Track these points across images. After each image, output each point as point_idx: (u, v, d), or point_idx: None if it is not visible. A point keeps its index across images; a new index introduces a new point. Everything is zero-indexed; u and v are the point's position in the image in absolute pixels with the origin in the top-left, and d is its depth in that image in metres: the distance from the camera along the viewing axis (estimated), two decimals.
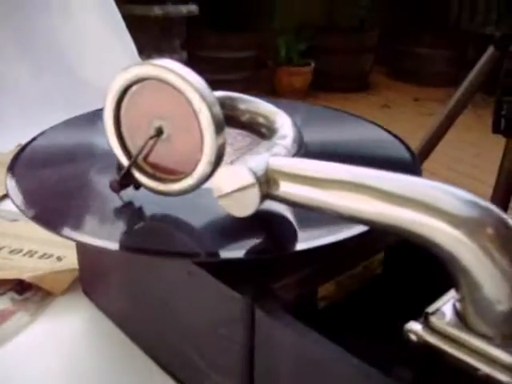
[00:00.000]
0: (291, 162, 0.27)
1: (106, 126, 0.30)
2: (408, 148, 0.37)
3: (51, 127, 0.39)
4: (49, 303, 0.44)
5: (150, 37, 2.18)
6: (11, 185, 0.31)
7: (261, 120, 0.34)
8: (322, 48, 2.75)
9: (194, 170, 0.29)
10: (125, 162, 0.31)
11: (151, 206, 0.31)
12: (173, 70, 0.27)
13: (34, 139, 0.38)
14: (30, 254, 0.47)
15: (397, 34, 3.20)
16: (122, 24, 0.83)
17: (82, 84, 0.80)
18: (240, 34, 2.58)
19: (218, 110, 0.27)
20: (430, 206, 0.22)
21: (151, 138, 0.29)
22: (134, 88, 0.29)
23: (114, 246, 0.27)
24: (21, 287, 0.45)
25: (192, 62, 2.33)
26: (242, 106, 0.34)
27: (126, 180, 0.31)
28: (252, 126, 0.34)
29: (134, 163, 0.30)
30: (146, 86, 0.29)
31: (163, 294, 0.32)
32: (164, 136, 0.29)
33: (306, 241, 0.28)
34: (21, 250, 0.47)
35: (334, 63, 2.80)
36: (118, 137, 0.31)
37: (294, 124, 0.33)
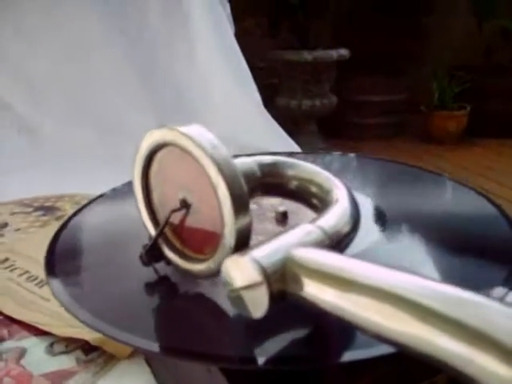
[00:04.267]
0: (322, 257, 0.21)
1: (136, 193, 0.27)
2: None
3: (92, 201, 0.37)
4: (112, 366, 0.42)
5: (300, 82, 2.19)
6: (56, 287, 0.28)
7: (313, 189, 0.29)
8: (477, 90, 2.57)
9: (215, 252, 0.24)
10: (153, 234, 0.27)
11: (184, 285, 0.27)
12: (190, 136, 0.23)
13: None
14: None
15: None
16: (247, 72, 0.81)
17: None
18: (391, 77, 2.51)
19: (239, 185, 0.23)
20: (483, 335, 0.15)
21: (174, 211, 0.25)
22: (160, 154, 0.26)
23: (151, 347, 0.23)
24: (89, 346, 0.43)
25: (342, 106, 2.30)
26: (291, 172, 0.29)
27: (154, 253, 0.27)
28: (302, 195, 0.29)
29: (159, 236, 0.26)
30: (169, 152, 0.25)
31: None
32: (191, 209, 0.25)
33: (363, 348, 0.22)
34: None
35: (492, 106, 2.61)
36: (148, 205, 0.27)
37: (351, 197, 0.28)
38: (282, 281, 0.21)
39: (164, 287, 0.28)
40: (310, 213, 0.30)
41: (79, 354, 0.43)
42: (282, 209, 0.33)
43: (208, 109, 0.80)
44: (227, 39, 0.80)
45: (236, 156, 0.28)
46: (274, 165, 0.29)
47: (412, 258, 0.30)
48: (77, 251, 0.32)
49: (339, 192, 0.27)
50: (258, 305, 0.21)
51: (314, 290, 0.20)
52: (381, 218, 0.33)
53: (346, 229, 0.25)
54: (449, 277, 0.28)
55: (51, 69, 0.76)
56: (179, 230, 0.27)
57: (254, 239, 0.24)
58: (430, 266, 0.30)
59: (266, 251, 0.21)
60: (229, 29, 0.81)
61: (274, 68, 2.19)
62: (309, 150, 1.94)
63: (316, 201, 0.28)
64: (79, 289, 0.28)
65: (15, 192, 0.69)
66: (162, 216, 0.27)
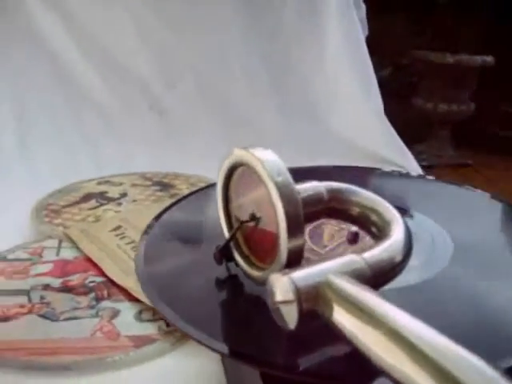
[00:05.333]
0: (353, 289, 0.24)
1: (218, 201, 0.31)
2: None
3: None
4: (187, 340, 0.46)
5: (439, 85, 2.13)
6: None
7: (374, 217, 0.31)
8: None
9: (272, 264, 0.28)
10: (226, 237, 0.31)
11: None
12: (260, 161, 0.27)
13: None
14: None
15: None
16: (373, 78, 0.83)
17: (327, 133, 0.83)
18: None
19: (296, 211, 0.26)
20: None
21: (243, 222, 0.29)
22: (239, 170, 0.30)
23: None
24: None
25: (479, 115, 2.22)
26: (355, 199, 0.32)
27: (225, 254, 0.31)
28: (363, 222, 0.32)
29: (230, 241, 0.30)
30: (245, 171, 0.29)
31: None
32: (259, 223, 0.29)
33: None
34: None
35: None
36: (226, 213, 0.32)
37: (407, 232, 0.30)
38: (313, 302, 0.24)
39: (232, 285, 0.32)
40: None
41: (162, 324, 0.48)
42: (354, 229, 0.36)
43: (331, 112, 0.83)
44: (357, 43, 0.82)
45: (310, 180, 0.31)
46: (340, 191, 0.32)
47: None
48: (171, 235, 0.37)
49: (397, 226, 0.30)
50: (291, 318, 0.24)
51: (340, 317, 0.23)
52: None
53: (391, 265, 0.27)
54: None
55: (188, 56, 0.82)
56: (248, 238, 0.30)
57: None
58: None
59: (305, 273, 0.25)
60: (360, 33, 0.83)
61: (415, 67, 2.15)
62: (437, 154, 1.89)
63: (375, 229, 0.31)
64: (160, 275, 0.32)
65: (140, 165, 0.76)
66: (235, 224, 0.31)
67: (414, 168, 0.79)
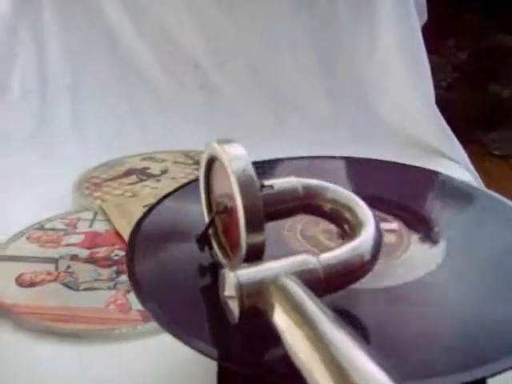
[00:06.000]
0: (297, 293, 0.25)
1: (200, 192, 0.32)
2: None
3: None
4: None
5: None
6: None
7: (347, 215, 0.31)
8: None
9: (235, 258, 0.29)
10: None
11: None
12: (228, 156, 0.28)
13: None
14: None
15: None
16: (427, 67, 0.81)
17: (375, 120, 0.82)
18: None
19: (256, 208, 0.27)
20: None
21: (217, 213, 0.30)
22: (217, 162, 0.30)
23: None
24: None
25: None
26: (330, 196, 0.32)
27: (204, 241, 0.32)
28: (336, 219, 0.32)
29: (207, 229, 0.31)
30: (220, 163, 0.30)
31: None
32: (231, 214, 0.30)
33: None
34: None
35: None
36: (208, 204, 0.32)
37: (376, 234, 0.30)
38: (255, 299, 0.25)
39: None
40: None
41: None
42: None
43: (380, 99, 0.82)
44: (411, 32, 0.79)
45: (292, 175, 0.31)
46: (316, 187, 0.32)
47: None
48: (165, 227, 0.38)
49: (367, 227, 0.30)
50: (235, 313, 0.25)
51: (276, 317, 0.24)
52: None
53: (351, 268, 0.28)
54: None
55: (240, 38, 0.83)
56: (225, 228, 0.31)
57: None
58: None
59: (253, 270, 0.25)
60: (415, 20, 0.80)
61: (493, 52, 2.04)
62: (507, 145, 1.81)
63: (347, 227, 0.31)
64: (151, 273, 0.33)
65: (186, 142, 0.78)
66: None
67: (463, 159, 0.76)
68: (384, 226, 0.35)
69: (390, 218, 0.38)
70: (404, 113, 0.79)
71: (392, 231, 0.37)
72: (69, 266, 0.52)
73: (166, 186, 0.66)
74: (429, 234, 0.37)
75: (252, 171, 0.27)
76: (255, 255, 0.28)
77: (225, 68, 0.82)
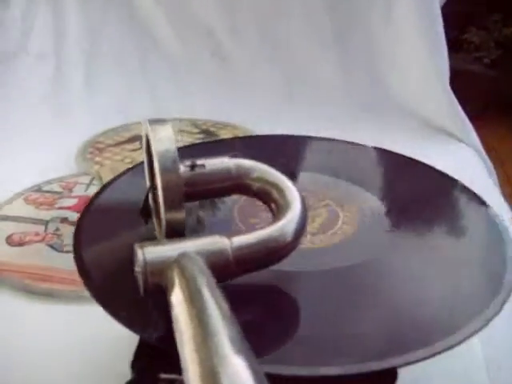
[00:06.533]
0: (196, 276, 0.25)
1: (144, 167, 0.33)
2: None
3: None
4: None
5: None
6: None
7: (275, 195, 0.32)
8: None
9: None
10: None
11: None
12: (153, 134, 0.28)
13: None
14: None
15: None
16: (443, 43, 0.78)
17: (386, 95, 0.81)
18: None
19: (175, 184, 0.28)
20: None
21: (150, 189, 0.31)
22: None
23: None
24: None
25: None
26: (255, 175, 0.32)
27: (146, 215, 0.33)
28: (263, 197, 0.32)
29: (146, 202, 0.32)
30: None
31: None
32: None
33: None
34: None
35: None
36: (150, 179, 0.33)
37: (300, 218, 0.30)
38: (159, 277, 0.26)
39: None
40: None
41: None
42: None
43: (395, 72, 0.80)
44: (429, 7, 0.77)
45: (230, 155, 0.32)
46: (248, 168, 0.32)
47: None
48: (115, 210, 0.39)
49: (292, 209, 0.30)
50: (141, 287, 0.26)
51: (171, 296, 0.25)
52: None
53: (265, 251, 0.28)
54: None
55: (253, 4, 0.82)
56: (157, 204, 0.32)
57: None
58: None
59: (162, 248, 0.26)
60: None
61: None
62: None
63: (274, 206, 0.31)
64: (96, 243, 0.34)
65: (196, 110, 0.79)
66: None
67: (474, 142, 0.75)
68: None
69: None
70: (416, 90, 0.77)
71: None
72: (57, 229, 0.54)
73: None
74: None
75: (174, 152, 0.28)
76: (176, 232, 0.28)
77: (237, 36, 0.82)
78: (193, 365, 0.20)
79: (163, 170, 0.28)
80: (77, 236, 0.33)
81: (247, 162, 0.32)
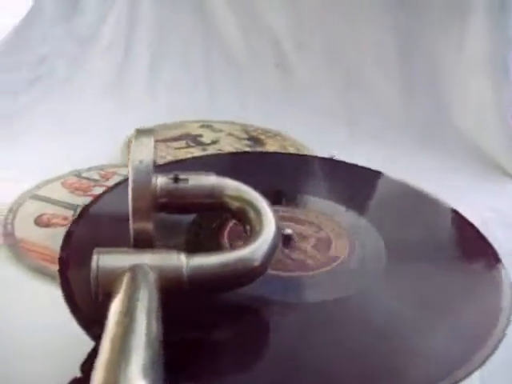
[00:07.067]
0: (138, 289, 0.25)
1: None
2: None
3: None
4: None
5: None
6: None
7: (251, 216, 0.31)
8: None
9: None
10: None
11: None
12: (133, 143, 0.29)
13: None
14: None
15: None
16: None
17: (447, 126, 0.79)
18: None
19: (143, 195, 0.28)
20: None
21: None
22: None
23: None
24: None
25: None
26: (234, 194, 0.32)
27: None
28: (241, 218, 0.32)
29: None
30: None
31: None
32: None
33: None
34: None
35: None
36: None
37: (272, 243, 0.29)
38: (109, 286, 0.26)
39: None
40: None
41: None
42: (287, 232, 0.36)
43: (458, 105, 0.78)
44: (504, 44, 0.74)
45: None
46: (231, 188, 0.32)
47: None
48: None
49: (263, 233, 0.29)
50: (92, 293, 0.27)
51: (112, 304, 0.25)
52: None
53: (222, 276, 0.28)
54: None
55: (325, 25, 0.82)
56: None
57: None
58: None
59: (116, 258, 0.27)
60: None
61: None
62: None
63: (249, 228, 0.31)
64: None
65: (252, 116, 0.79)
66: None
67: None
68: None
69: None
70: (479, 125, 0.74)
71: None
72: None
73: None
74: None
75: (149, 164, 0.28)
76: (144, 242, 0.29)
77: (303, 51, 0.82)
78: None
79: (134, 181, 0.28)
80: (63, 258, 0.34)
81: (231, 183, 0.31)
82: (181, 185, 0.31)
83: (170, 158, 0.68)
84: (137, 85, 0.82)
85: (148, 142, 0.30)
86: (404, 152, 0.72)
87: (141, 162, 0.29)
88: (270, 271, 0.30)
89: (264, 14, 0.84)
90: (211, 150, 0.71)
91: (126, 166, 0.64)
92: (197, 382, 0.25)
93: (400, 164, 0.63)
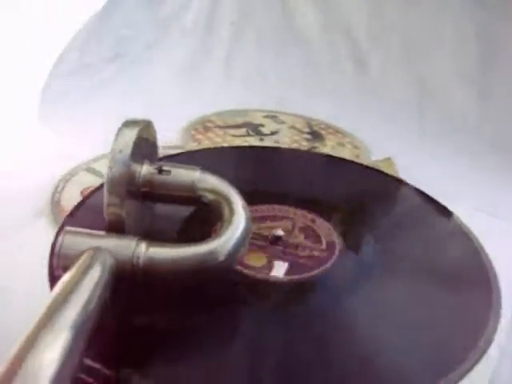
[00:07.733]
0: (89, 270, 0.27)
1: None
2: None
3: None
4: None
5: None
6: None
7: (224, 211, 0.31)
8: None
9: None
10: None
11: None
12: (117, 131, 0.30)
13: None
14: None
15: None
16: None
17: None
18: None
19: (118, 182, 0.30)
20: None
21: None
22: None
23: None
24: None
25: None
26: (209, 189, 0.32)
27: None
28: (216, 213, 0.32)
29: None
30: None
31: None
32: None
33: None
34: None
35: None
36: None
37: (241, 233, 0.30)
38: (68, 262, 0.28)
39: None
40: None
41: None
42: (277, 233, 0.36)
43: None
44: None
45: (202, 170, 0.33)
46: (210, 184, 0.33)
47: None
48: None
49: (228, 229, 0.30)
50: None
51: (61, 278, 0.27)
52: None
53: (181, 269, 0.29)
54: None
55: (405, 27, 0.80)
56: None
57: None
58: None
59: (80, 239, 0.28)
60: None
61: None
62: None
63: (220, 224, 0.31)
64: None
65: (319, 109, 0.79)
66: None
67: None
68: None
69: None
70: None
71: None
72: None
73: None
74: None
75: (127, 154, 0.29)
76: (117, 227, 0.30)
77: (377, 46, 0.80)
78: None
79: (110, 168, 0.30)
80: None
81: (211, 179, 0.32)
82: (163, 176, 0.32)
83: (225, 145, 0.69)
84: (211, 69, 0.84)
85: (131, 134, 0.31)
86: (470, 156, 0.69)
87: (120, 151, 0.30)
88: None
89: (343, 8, 0.83)
90: (268, 141, 0.71)
91: (178, 148, 0.67)
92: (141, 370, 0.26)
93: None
